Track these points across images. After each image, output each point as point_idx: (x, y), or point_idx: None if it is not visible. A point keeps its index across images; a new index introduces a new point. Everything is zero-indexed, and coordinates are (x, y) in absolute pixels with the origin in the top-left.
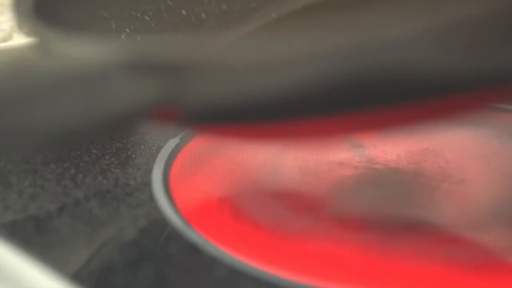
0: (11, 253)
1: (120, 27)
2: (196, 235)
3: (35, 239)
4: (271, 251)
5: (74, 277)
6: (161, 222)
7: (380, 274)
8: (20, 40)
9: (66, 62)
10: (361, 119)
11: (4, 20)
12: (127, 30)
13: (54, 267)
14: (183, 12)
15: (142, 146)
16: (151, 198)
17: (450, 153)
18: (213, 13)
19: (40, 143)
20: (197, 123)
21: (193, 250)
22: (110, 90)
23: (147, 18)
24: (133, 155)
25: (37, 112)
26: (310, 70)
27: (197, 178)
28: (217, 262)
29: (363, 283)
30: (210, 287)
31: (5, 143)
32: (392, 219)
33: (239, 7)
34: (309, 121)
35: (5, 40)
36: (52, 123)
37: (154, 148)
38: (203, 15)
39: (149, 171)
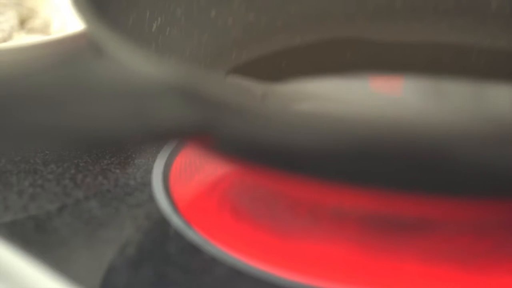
0: (11, 253)
1: (153, 15)
2: (196, 235)
3: (35, 239)
4: (271, 251)
5: (74, 277)
6: (161, 222)
7: (380, 274)
8: (20, 40)
9: (121, 72)
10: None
11: (4, 20)
12: (159, 19)
13: (54, 267)
14: (212, 13)
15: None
16: (151, 198)
17: None
18: (240, 21)
19: (80, 144)
20: (227, 157)
21: (193, 250)
22: (156, 108)
23: (179, 11)
24: (133, 155)
25: (86, 115)
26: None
27: (197, 178)
28: (217, 262)
29: (363, 283)
30: (210, 287)
31: (45, 139)
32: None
33: (265, 21)
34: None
35: (5, 40)
36: (96, 127)
37: (154, 148)
38: (230, 21)
39: (149, 171)
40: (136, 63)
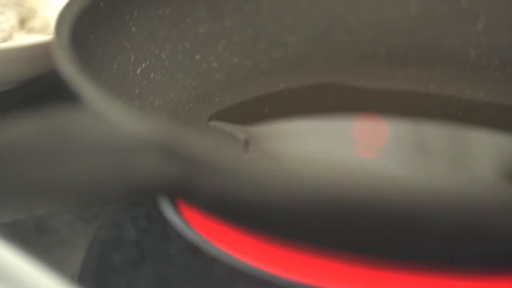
0: (11, 253)
1: (137, 60)
2: (196, 235)
3: (35, 239)
4: (270, 251)
5: (74, 277)
6: (161, 222)
7: (379, 274)
8: (20, 40)
9: (102, 126)
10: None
11: (4, 20)
12: (143, 64)
13: (54, 267)
14: (197, 56)
15: None
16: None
17: None
18: (224, 64)
19: (62, 197)
20: (206, 212)
21: (193, 250)
22: (137, 163)
23: (163, 56)
24: None
25: (66, 170)
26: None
27: None
28: (217, 262)
29: (362, 283)
30: (210, 287)
31: (27, 193)
32: None
33: (249, 66)
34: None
35: (5, 40)
36: (76, 183)
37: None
38: (215, 64)
39: None
40: (117, 117)
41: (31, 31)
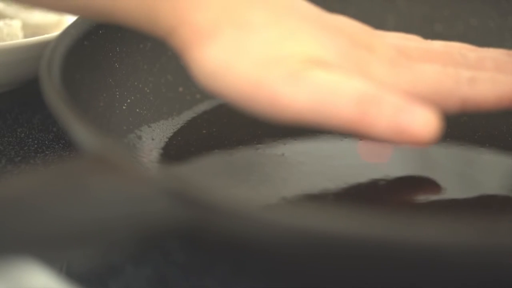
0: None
1: (123, 96)
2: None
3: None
4: None
5: (74, 277)
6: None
7: None
8: (20, 40)
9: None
10: None
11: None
12: (128, 100)
13: (54, 267)
14: (180, 89)
15: None
16: None
17: None
18: (208, 95)
19: (75, 246)
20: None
21: (193, 249)
22: (147, 208)
23: (147, 90)
24: None
25: (80, 217)
26: None
27: None
28: (217, 262)
29: None
30: (210, 287)
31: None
32: None
33: None
34: None
35: (4, 40)
36: (90, 229)
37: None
38: (198, 96)
39: None
40: (122, 164)
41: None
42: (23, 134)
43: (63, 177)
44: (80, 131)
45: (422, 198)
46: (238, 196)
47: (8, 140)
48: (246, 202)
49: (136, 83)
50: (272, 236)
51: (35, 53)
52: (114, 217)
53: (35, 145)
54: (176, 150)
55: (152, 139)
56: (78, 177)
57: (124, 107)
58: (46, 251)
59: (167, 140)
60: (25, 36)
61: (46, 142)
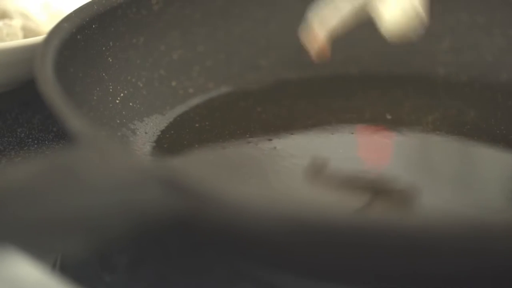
0: (11, 253)
1: (116, 90)
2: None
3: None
4: None
5: (74, 277)
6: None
7: None
8: (20, 40)
9: (103, 162)
10: None
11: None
12: (122, 94)
13: (53, 266)
14: (173, 83)
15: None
16: None
17: None
18: (200, 89)
19: (68, 235)
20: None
21: (193, 250)
22: (140, 197)
23: (140, 84)
24: None
25: (72, 205)
26: None
27: None
28: (217, 262)
29: None
30: (210, 287)
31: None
32: None
33: (225, 89)
34: None
35: (4, 40)
36: (82, 218)
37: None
38: (191, 90)
39: None
40: (116, 153)
41: None
42: (23, 134)
43: (55, 166)
44: (73, 119)
45: (415, 189)
46: (228, 185)
47: (8, 140)
48: (236, 191)
49: (129, 78)
50: (261, 225)
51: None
52: (106, 205)
53: (35, 145)
54: (169, 144)
55: (145, 132)
56: (71, 166)
57: (117, 101)
58: (37, 240)
59: (159, 133)
60: (25, 36)
61: (46, 142)
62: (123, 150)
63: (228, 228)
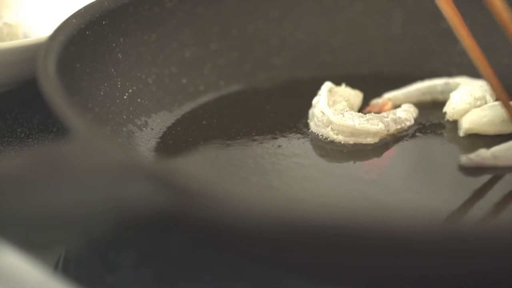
0: (11, 253)
1: (124, 86)
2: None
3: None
4: None
5: (74, 277)
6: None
7: None
8: (20, 40)
9: (92, 156)
10: None
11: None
12: (130, 90)
13: (52, 265)
14: (184, 80)
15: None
16: None
17: None
18: (211, 87)
19: (55, 228)
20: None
21: (193, 250)
22: (127, 191)
23: (150, 81)
24: None
25: (59, 198)
26: None
27: None
28: (217, 262)
29: None
30: (210, 287)
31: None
32: None
33: (236, 87)
34: None
35: (4, 40)
36: (69, 210)
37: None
38: (202, 88)
39: None
40: (107, 147)
41: None
42: (23, 134)
43: (46, 159)
44: (67, 112)
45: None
46: (214, 182)
47: (8, 140)
48: (221, 188)
49: (139, 74)
50: (243, 222)
51: (35, 53)
52: (96, 199)
53: (35, 145)
54: (174, 140)
55: (152, 128)
56: (62, 160)
57: (125, 97)
58: (27, 233)
59: (166, 129)
60: (25, 36)
61: (46, 142)
62: (116, 146)
63: (213, 225)
